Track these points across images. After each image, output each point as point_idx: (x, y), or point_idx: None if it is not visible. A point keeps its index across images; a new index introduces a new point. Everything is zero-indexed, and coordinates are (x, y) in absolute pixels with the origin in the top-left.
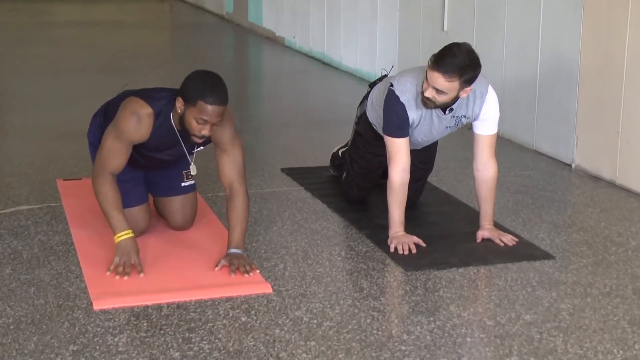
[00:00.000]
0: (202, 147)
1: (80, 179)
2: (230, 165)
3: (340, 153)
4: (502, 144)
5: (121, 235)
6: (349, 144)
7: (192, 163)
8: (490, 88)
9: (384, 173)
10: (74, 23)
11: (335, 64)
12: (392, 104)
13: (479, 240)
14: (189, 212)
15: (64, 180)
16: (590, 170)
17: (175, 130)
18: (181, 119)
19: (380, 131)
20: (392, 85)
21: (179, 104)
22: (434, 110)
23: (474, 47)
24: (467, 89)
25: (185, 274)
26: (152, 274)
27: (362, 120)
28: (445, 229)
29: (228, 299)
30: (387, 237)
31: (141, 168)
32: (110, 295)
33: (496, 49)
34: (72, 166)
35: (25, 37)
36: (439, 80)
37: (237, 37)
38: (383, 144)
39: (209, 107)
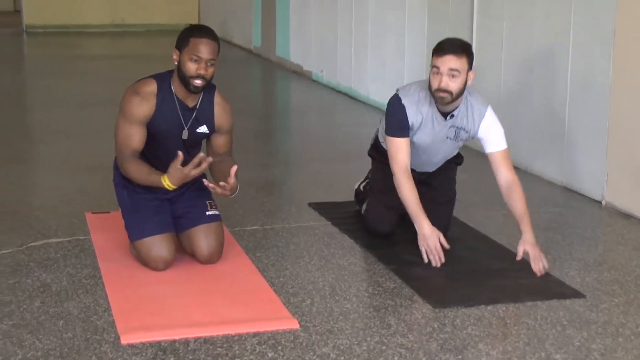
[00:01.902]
0: (206, 130)
1: (109, 212)
2: (224, 143)
3: (362, 188)
4: (531, 180)
5: (164, 178)
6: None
7: (186, 128)
8: (489, 107)
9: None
10: (103, 56)
11: (362, 98)
12: (394, 105)
13: (519, 255)
14: (215, 242)
15: (92, 213)
16: (621, 208)
17: (175, 99)
18: (179, 71)
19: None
20: (397, 90)
21: (175, 55)
22: (434, 115)
23: (501, 82)
24: (471, 73)
25: (213, 308)
26: (179, 309)
27: (374, 145)
28: (474, 265)
29: (255, 334)
30: (415, 273)
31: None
32: (138, 329)
33: (524, 83)
34: (100, 199)
35: (55, 69)
36: (451, 60)
37: (264, 71)
38: None
39: (201, 42)
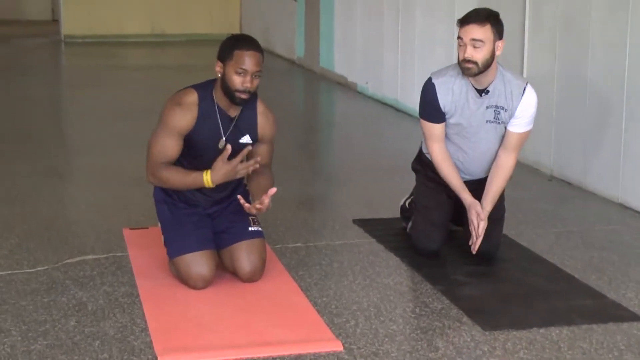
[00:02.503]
0: (250, 140)
1: (147, 227)
2: (265, 152)
3: (407, 204)
4: (585, 196)
5: (205, 173)
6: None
7: (224, 138)
8: (529, 84)
9: (454, 218)
10: (143, 67)
11: (409, 110)
12: (425, 86)
13: (473, 220)
14: (257, 259)
15: (130, 229)
16: None
17: (217, 109)
18: (223, 84)
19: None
20: (432, 73)
21: (218, 67)
22: (469, 94)
23: (554, 92)
24: (500, 43)
25: (253, 329)
26: (219, 329)
27: (418, 156)
28: (525, 286)
29: (297, 357)
30: (463, 293)
31: (198, 203)
32: (176, 350)
33: (578, 101)
34: (139, 214)
35: (93, 80)
36: (474, 29)
37: (308, 83)
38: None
39: (245, 54)
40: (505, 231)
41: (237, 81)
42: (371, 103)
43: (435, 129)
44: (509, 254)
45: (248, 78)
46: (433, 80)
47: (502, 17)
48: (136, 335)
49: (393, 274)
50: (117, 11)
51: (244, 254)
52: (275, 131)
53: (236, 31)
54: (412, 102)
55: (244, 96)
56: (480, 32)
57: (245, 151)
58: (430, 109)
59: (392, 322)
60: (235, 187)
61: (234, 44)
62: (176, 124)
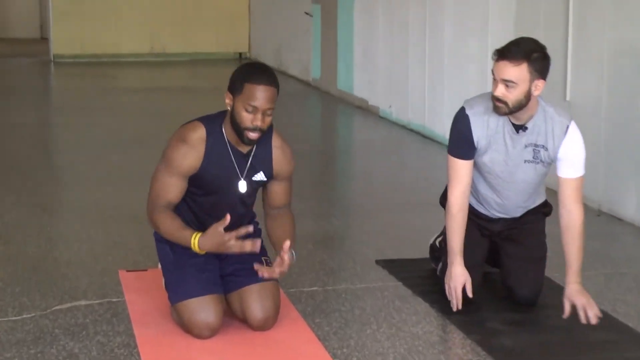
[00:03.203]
0: (264, 177)
1: (146, 269)
2: (281, 193)
3: (437, 243)
4: (639, 234)
5: (194, 237)
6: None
7: (242, 179)
8: (573, 123)
9: (489, 258)
10: (141, 89)
11: (437, 137)
12: (457, 118)
13: (566, 311)
14: (270, 305)
15: (127, 271)
16: None
17: (227, 145)
18: (232, 118)
19: None
20: (465, 102)
21: (228, 99)
22: (505, 130)
23: (602, 118)
24: (539, 83)
25: None
26: None
27: (446, 188)
28: (571, 336)
29: None
30: (501, 343)
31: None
32: None
33: (630, 128)
34: (136, 254)
35: (86, 104)
36: (506, 68)
37: (324, 106)
38: (476, 213)
39: (257, 89)
40: (547, 273)
41: (247, 118)
42: (395, 129)
43: (462, 168)
44: (553, 299)
45: (259, 115)
46: (467, 112)
47: (542, 34)
48: None
49: (422, 321)
50: (113, 28)
51: (256, 300)
52: (293, 167)
53: (244, 50)
54: (441, 127)
55: (253, 135)
56: (514, 72)
57: (243, 231)
58: (462, 143)
59: None
60: (234, 203)
61: (245, 75)
62: (180, 164)
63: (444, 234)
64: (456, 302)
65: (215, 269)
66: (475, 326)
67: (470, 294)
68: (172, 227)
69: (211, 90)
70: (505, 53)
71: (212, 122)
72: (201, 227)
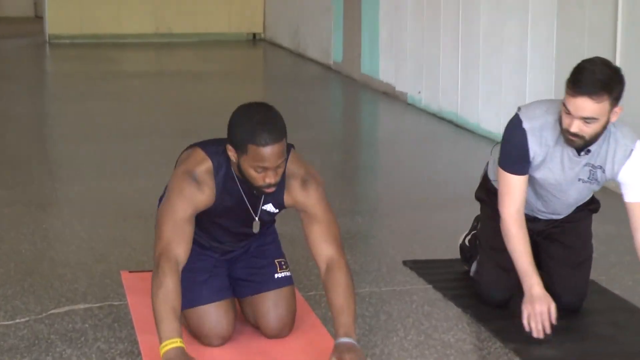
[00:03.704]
0: (273, 209)
1: (151, 271)
2: (325, 236)
3: (467, 242)
4: None
5: (167, 344)
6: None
7: (257, 219)
8: (637, 143)
9: None
10: (145, 74)
11: (471, 126)
12: (512, 129)
13: (538, 320)
14: (286, 313)
15: (130, 272)
16: None
17: (237, 183)
18: (240, 172)
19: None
20: (519, 109)
21: (231, 153)
22: (564, 151)
23: None
24: (617, 109)
25: None
26: None
27: (483, 182)
28: (619, 346)
29: None
30: (542, 353)
31: (215, 249)
32: None
33: None
34: (140, 254)
35: (85, 90)
36: (586, 105)
37: (346, 93)
38: None
39: (263, 150)
40: (593, 276)
41: (258, 178)
42: (424, 117)
43: (517, 184)
44: (599, 305)
45: (270, 173)
46: (524, 125)
47: (588, 12)
48: None
49: (454, 328)
50: (114, 6)
51: (271, 307)
52: (317, 197)
53: (258, 30)
54: (475, 115)
55: (269, 190)
56: (595, 109)
57: None
58: (518, 159)
59: None
60: (247, 232)
61: (248, 136)
62: (190, 201)
63: (473, 230)
64: (542, 328)
65: (225, 273)
66: (514, 333)
67: (554, 321)
68: (165, 303)
69: (222, 75)
70: (583, 88)
71: (216, 154)
72: (204, 238)
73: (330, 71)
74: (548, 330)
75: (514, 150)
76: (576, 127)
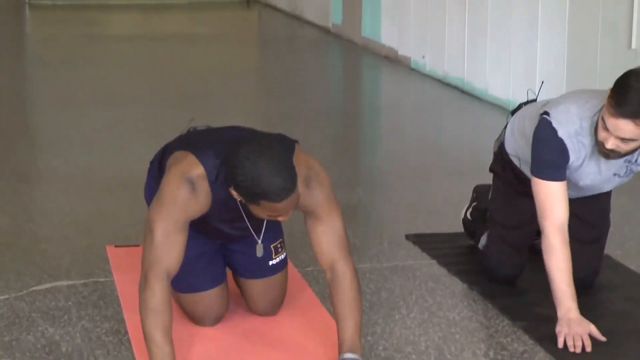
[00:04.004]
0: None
1: (138, 245)
2: (328, 239)
3: (469, 215)
4: None
5: None
6: (491, 190)
7: (260, 242)
8: None
9: (539, 231)
10: (133, 37)
11: (478, 92)
12: (546, 137)
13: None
14: (276, 296)
15: (116, 247)
16: None
17: (239, 206)
18: (246, 207)
19: (522, 167)
20: (547, 113)
21: (235, 194)
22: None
23: None
24: None
25: None
26: None
27: (499, 154)
28: (634, 323)
29: None
30: (552, 331)
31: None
32: None
33: None
34: (127, 227)
35: (70, 55)
36: (628, 128)
37: (346, 57)
38: (529, 184)
39: (278, 205)
40: (607, 250)
41: (269, 218)
42: (429, 83)
43: (559, 191)
44: (613, 280)
45: (284, 216)
46: (560, 134)
47: None
48: None
49: (459, 305)
50: None
51: (261, 294)
52: (323, 196)
53: None
54: (483, 81)
55: (282, 219)
56: (637, 131)
57: None
58: (555, 166)
59: None
60: (244, 233)
61: (258, 191)
62: (184, 208)
63: (475, 201)
64: (582, 344)
65: (220, 257)
66: (522, 311)
67: (602, 338)
68: (154, 326)
69: (214, 39)
70: (627, 111)
71: (213, 167)
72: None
73: (329, 34)
74: (589, 348)
75: (550, 158)
76: (613, 144)
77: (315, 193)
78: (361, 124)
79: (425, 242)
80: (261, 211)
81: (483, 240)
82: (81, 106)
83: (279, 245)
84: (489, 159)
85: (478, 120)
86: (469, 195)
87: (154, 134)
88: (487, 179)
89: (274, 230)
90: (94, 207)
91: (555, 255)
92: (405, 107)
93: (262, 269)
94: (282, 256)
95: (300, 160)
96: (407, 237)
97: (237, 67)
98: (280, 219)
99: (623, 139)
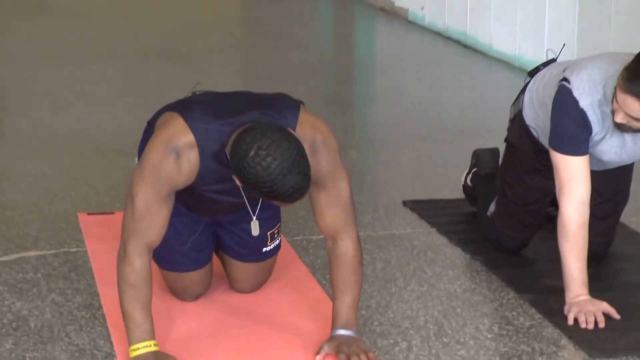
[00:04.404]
0: None
1: (113, 212)
2: (333, 210)
3: (469, 182)
4: None
5: (138, 348)
6: (501, 160)
7: (255, 219)
8: None
9: (554, 200)
10: None
11: (482, 47)
12: (567, 107)
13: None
14: (263, 279)
15: (88, 214)
16: None
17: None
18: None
19: (541, 139)
20: (566, 80)
21: (238, 182)
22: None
23: None
24: None
25: (263, 354)
26: (214, 354)
27: (516, 123)
28: None
29: None
30: (561, 305)
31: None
32: None
33: None
34: (101, 194)
35: (37, 5)
36: (635, 106)
37: (338, 8)
38: (548, 158)
39: (289, 204)
40: (622, 218)
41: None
42: (428, 37)
43: (580, 167)
44: (628, 250)
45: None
46: (582, 105)
47: None
48: None
49: (461, 277)
50: None
51: (247, 277)
52: (330, 157)
53: None
54: (487, 35)
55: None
56: None
57: None
58: (576, 138)
59: (461, 346)
60: (238, 206)
61: (268, 189)
62: (167, 178)
63: (474, 167)
64: (595, 320)
65: (210, 236)
66: (530, 283)
67: (616, 316)
68: (133, 300)
69: None
70: (635, 91)
71: (204, 134)
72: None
73: None
74: (602, 324)
75: (571, 131)
76: (622, 118)
77: (321, 159)
78: (354, 81)
79: (424, 208)
80: (265, 200)
81: (492, 207)
82: (50, 61)
83: (275, 232)
84: (492, 119)
85: (481, 78)
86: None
87: (131, 92)
88: (491, 141)
89: (272, 213)
90: (64, 171)
91: (571, 238)
92: (403, 63)
93: (254, 254)
94: (277, 242)
95: (306, 123)
96: (404, 203)
97: (219, 19)
98: (290, 205)
99: (633, 117)
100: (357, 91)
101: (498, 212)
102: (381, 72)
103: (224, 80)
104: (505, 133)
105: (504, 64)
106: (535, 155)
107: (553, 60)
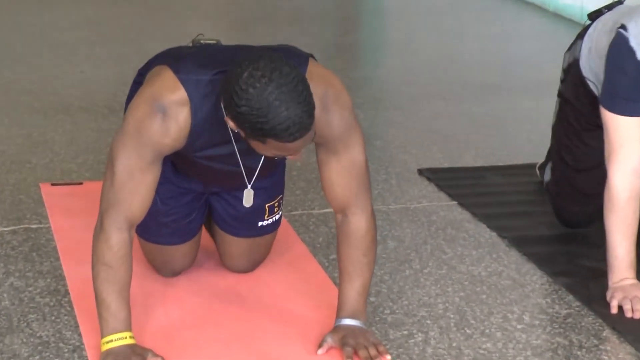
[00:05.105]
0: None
1: (81, 183)
2: (345, 181)
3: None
4: None
5: (111, 340)
6: (555, 117)
7: (249, 187)
8: None
9: None
10: None
11: None
12: (622, 58)
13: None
14: (257, 257)
15: (52, 185)
16: None
17: (230, 136)
18: (245, 140)
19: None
20: (624, 27)
21: (233, 125)
22: None
23: None
24: None
25: (256, 346)
26: (196, 344)
27: (571, 74)
28: None
29: None
30: (603, 290)
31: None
32: None
33: None
34: (65, 160)
35: None
36: None
37: None
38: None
39: (289, 145)
40: None
41: (273, 155)
42: None
43: (634, 129)
44: None
45: (293, 156)
46: (638, 55)
47: None
48: (63, 356)
49: (486, 258)
50: None
51: (241, 253)
52: (344, 116)
53: None
54: None
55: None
56: None
57: None
58: (632, 99)
59: (487, 338)
60: (234, 172)
61: (266, 127)
62: (153, 143)
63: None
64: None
65: (201, 214)
66: (566, 264)
67: None
68: (108, 284)
69: None
70: None
71: (196, 86)
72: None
73: None
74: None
75: (625, 87)
76: None
77: (333, 118)
78: (360, 29)
79: (443, 178)
80: (265, 149)
81: (546, 175)
82: (6, 7)
83: (275, 205)
84: (523, 72)
85: (509, 24)
86: (499, 117)
87: (102, 43)
88: (523, 97)
89: (273, 181)
90: (24, 134)
91: (618, 212)
92: (417, 8)
93: (248, 228)
94: (277, 216)
95: (316, 75)
96: (420, 172)
97: None
98: (290, 158)
99: None
100: (364, 41)
101: (555, 181)
102: (392, 19)
103: (210, 29)
104: (541, 91)
105: (535, 7)
106: (593, 110)
107: (620, 3)
